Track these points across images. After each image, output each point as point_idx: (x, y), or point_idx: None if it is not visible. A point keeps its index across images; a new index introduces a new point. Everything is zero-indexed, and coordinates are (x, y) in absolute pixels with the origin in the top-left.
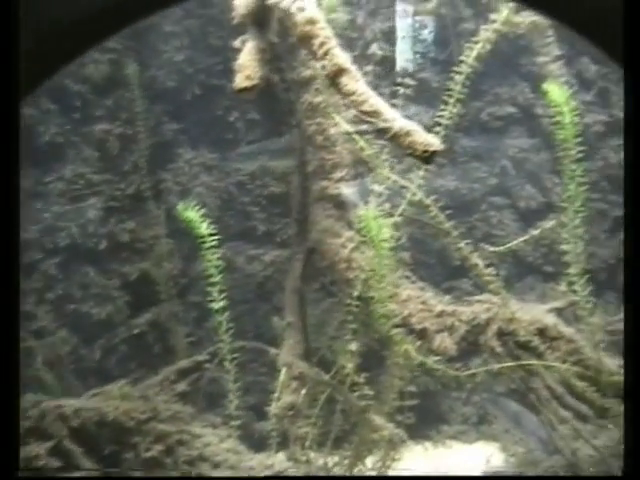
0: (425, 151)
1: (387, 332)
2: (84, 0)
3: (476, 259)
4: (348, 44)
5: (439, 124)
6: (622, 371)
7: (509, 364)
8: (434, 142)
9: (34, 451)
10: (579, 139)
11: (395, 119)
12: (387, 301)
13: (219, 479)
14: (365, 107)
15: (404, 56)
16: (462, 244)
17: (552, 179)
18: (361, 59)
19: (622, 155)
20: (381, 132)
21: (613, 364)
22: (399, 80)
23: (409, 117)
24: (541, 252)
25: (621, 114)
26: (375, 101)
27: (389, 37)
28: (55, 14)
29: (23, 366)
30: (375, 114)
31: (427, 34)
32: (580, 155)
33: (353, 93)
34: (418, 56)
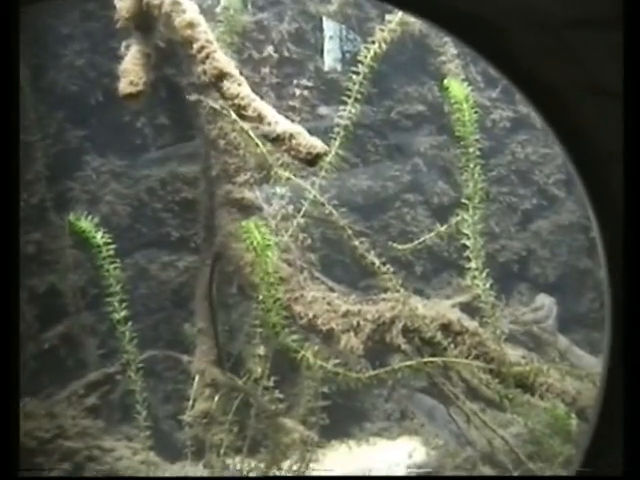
0: (309, 153)
1: (283, 339)
2: None
3: (373, 257)
4: (255, 46)
5: (338, 125)
6: (523, 361)
7: (410, 362)
8: (318, 145)
9: None
10: (477, 136)
11: (278, 122)
12: (279, 309)
13: (219, 479)
14: (248, 111)
15: (313, 57)
16: (357, 242)
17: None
18: (267, 60)
19: (529, 150)
20: (265, 135)
21: (515, 355)
22: (305, 82)
23: (321, 117)
24: (455, 247)
25: (525, 110)
26: (258, 105)
27: (295, 38)
28: None
29: None
30: (257, 118)
31: (336, 35)
32: (478, 152)
33: (235, 97)
34: (327, 56)
